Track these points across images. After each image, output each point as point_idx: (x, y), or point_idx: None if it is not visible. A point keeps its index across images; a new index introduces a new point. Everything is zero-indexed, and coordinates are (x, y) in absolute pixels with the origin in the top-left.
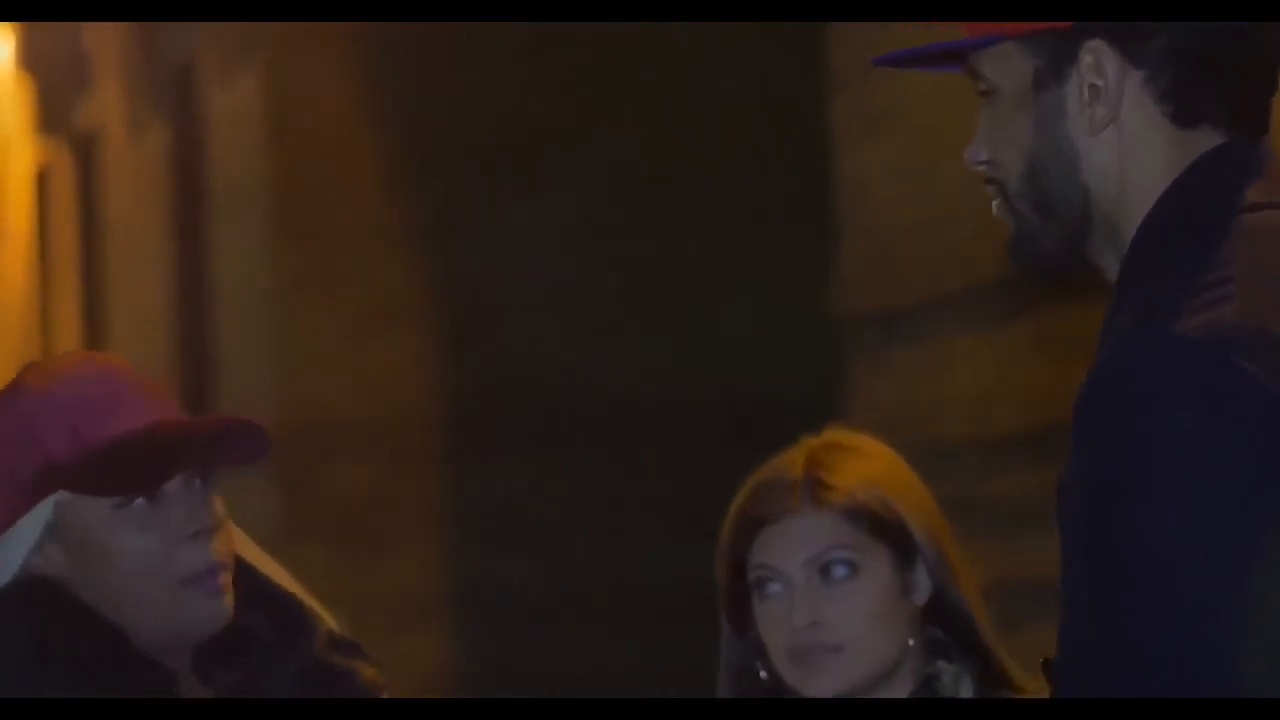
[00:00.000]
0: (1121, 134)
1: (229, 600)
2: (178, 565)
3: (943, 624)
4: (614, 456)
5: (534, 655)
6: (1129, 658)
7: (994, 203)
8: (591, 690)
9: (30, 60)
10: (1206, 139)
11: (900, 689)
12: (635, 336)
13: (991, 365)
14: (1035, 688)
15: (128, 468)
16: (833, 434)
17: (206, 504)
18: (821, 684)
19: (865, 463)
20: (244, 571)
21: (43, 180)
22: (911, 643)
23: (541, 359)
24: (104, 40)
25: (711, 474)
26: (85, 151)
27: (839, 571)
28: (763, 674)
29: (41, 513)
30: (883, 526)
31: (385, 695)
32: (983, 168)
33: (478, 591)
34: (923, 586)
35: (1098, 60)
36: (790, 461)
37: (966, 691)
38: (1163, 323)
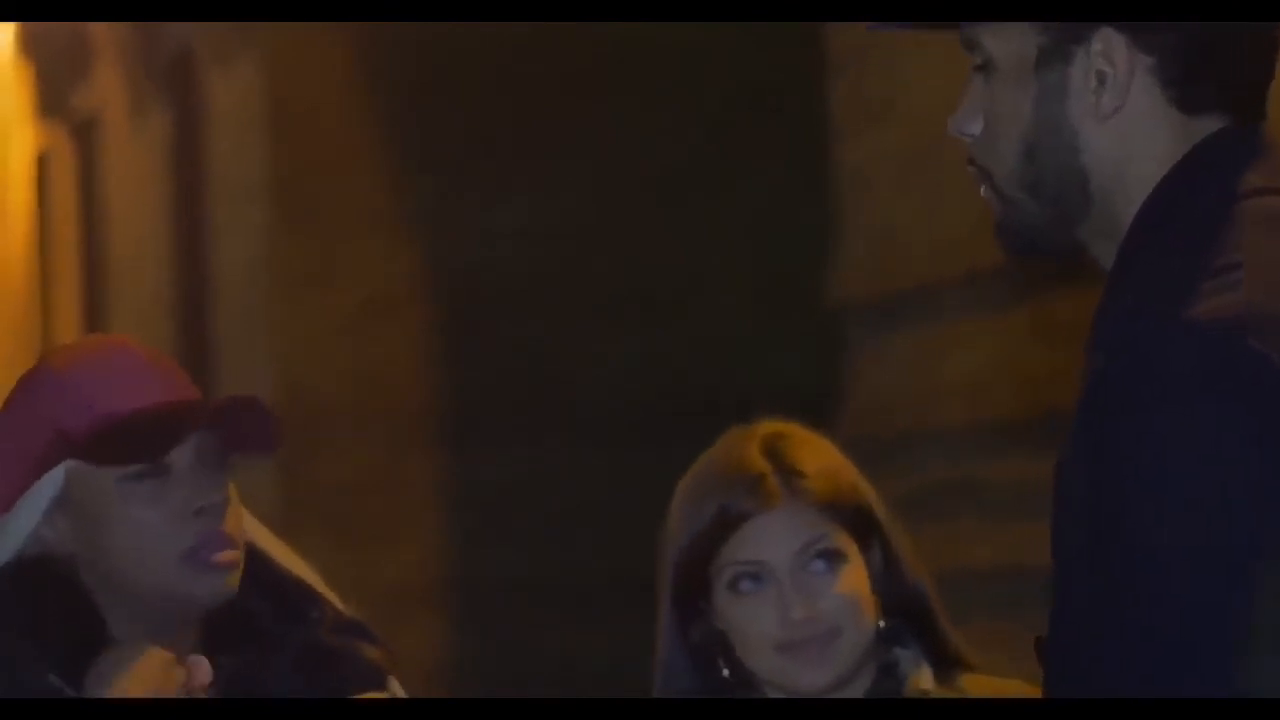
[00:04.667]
0: (1127, 121)
1: (232, 577)
2: (179, 539)
3: (898, 608)
4: (612, 445)
5: (531, 645)
6: (1146, 649)
7: (982, 186)
8: (588, 682)
9: (30, 44)
10: (1209, 125)
11: (864, 679)
12: (633, 325)
13: (989, 351)
14: (988, 669)
15: (132, 439)
16: (771, 424)
17: (215, 483)
18: (815, 675)
19: (821, 451)
20: (254, 557)
21: (42, 164)
22: (883, 625)
23: (540, 348)
24: (103, 25)
25: None
26: (85, 136)
27: (824, 562)
28: (725, 672)
29: (51, 481)
30: (852, 513)
31: (394, 676)
32: (968, 139)
33: (475, 580)
34: (878, 570)
35: (1108, 47)
36: (746, 455)
37: (927, 675)
38: (1170, 310)
